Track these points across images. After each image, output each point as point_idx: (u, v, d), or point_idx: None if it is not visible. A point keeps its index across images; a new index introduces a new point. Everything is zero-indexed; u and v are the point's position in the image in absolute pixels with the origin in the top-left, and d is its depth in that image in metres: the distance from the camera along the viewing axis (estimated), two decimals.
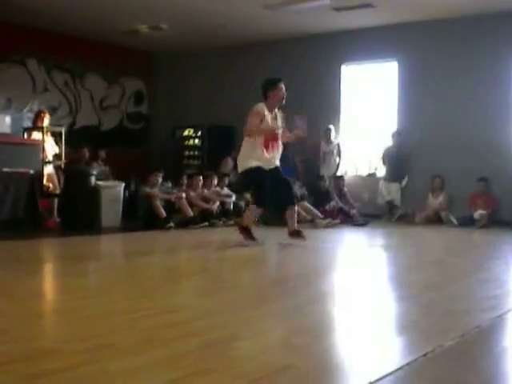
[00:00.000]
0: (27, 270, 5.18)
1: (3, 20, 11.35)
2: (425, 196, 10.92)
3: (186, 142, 13.91)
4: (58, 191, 9.31)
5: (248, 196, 9.66)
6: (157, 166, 10.75)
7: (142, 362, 2.52)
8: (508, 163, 10.34)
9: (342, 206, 10.59)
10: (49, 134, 9.52)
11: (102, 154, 11.91)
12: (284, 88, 6.89)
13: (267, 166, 6.86)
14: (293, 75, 12.55)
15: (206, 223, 9.49)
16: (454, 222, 10.08)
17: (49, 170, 9.24)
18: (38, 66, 12.47)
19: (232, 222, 9.60)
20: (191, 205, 9.51)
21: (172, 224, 9.01)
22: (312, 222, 9.72)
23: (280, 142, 6.97)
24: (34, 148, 8.94)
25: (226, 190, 10.26)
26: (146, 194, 9.25)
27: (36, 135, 9.44)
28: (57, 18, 11.32)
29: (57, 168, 9.58)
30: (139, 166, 12.27)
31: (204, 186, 10.06)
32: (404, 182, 11.29)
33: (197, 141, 13.70)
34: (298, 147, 10.91)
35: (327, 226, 9.58)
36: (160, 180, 9.58)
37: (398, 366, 2.50)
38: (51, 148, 9.48)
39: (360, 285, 4.72)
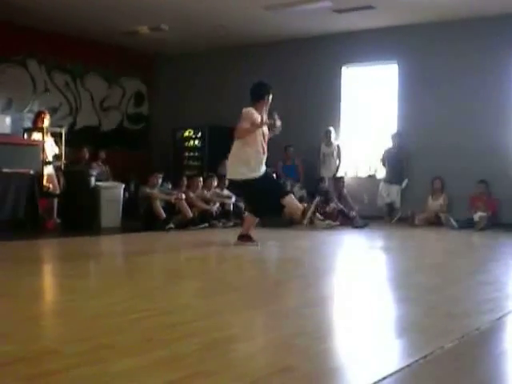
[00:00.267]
0: (27, 270, 5.18)
1: (4, 20, 11.36)
2: (425, 198, 10.93)
3: (186, 143, 13.91)
4: (57, 192, 9.31)
5: None
6: (157, 167, 10.78)
7: (141, 362, 2.52)
8: (508, 165, 10.35)
9: (341, 208, 10.59)
10: (49, 134, 9.52)
11: (102, 154, 11.92)
12: (270, 95, 6.93)
13: (257, 172, 6.84)
14: (293, 77, 12.59)
15: (206, 224, 9.50)
16: (454, 224, 10.08)
17: (49, 170, 9.25)
18: (38, 67, 12.48)
19: (232, 224, 9.62)
20: (191, 206, 9.51)
21: (172, 225, 9.01)
22: (311, 224, 9.72)
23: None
24: (34, 148, 8.94)
25: (225, 191, 10.26)
26: (145, 194, 9.25)
27: (36, 136, 9.44)
28: (57, 18, 11.33)
29: (57, 169, 9.58)
30: (139, 167, 12.30)
31: (204, 187, 10.07)
32: (404, 184, 11.29)
33: (197, 142, 13.70)
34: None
35: (327, 228, 9.58)
36: (160, 181, 9.59)
37: (398, 368, 2.50)
38: (51, 148, 9.48)
39: (360, 287, 4.72)
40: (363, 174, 12.24)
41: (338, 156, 11.82)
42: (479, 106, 10.67)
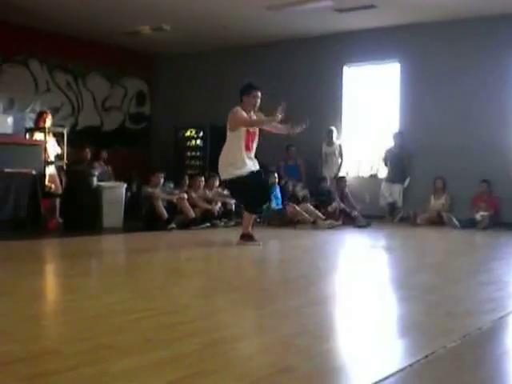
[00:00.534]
0: (28, 270, 5.18)
1: (5, 20, 11.37)
2: (427, 197, 10.91)
3: (188, 143, 13.92)
4: (59, 192, 9.31)
5: None
6: (159, 167, 10.77)
7: (142, 362, 2.52)
8: (510, 165, 10.33)
9: (343, 208, 10.59)
10: (51, 134, 9.52)
11: (104, 154, 11.92)
12: (258, 96, 7.05)
13: (247, 169, 6.92)
14: (295, 76, 12.59)
15: (208, 224, 9.49)
16: (456, 223, 10.06)
17: (51, 170, 9.25)
18: (40, 67, 12.49)
19: (233, 223, 9.62)
20: (193, 205, 9.51)
21: (174, 225, 9.01)
22: (314, 224, 9.72)
23: (255, 142, 7.09)
24: (36, 148, 8.95)
25: (227, 191, 10.25)
26: (147, 194, 9.25)
27: (38, 136, 9.44)
28: (59, 18, 11.34)
29: (59, 168, 9.58)
30: (141, 167, 12.30)
31: (206, 186, 10.07)
32: (406, 184, 11.28)
33: (199, 141, 13.71)
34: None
35: (329, 228, 9.57)
36: (162, 181, 9.58)
37: (400, 368, 2.49)
38: (53, 148, 9.48)
39: (361, 286, 4.71)
40: (365, 173, 12.23)
41: (340, 155, 11.82)
42: (481, 106, 10.66)
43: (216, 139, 13.13)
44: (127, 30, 12.04)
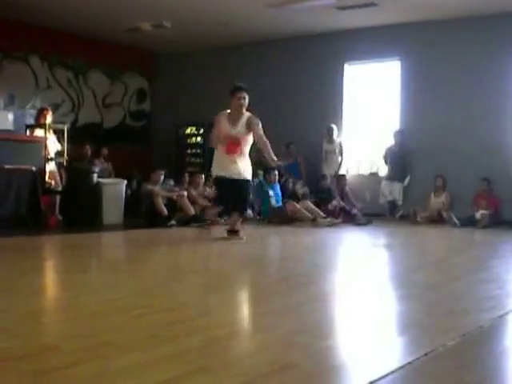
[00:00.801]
0: (29, 266, 5.18)
1: (6, 17, 11.36)
2: (427, 196, 10.92)
3: (188, 140, 13.93)
4: (60, 188, 9.32)
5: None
6: (159, 164, 10.77)
7: (143, 359, 2.52)
8: (510, 163, 10.33)
9: (343, 206, 10.59)
10: (51, 131, 9.52)
11: (105, 151, 11.91)
12: (242, 96, 7.11)
13: (228, 172, 7.08)
14: (296, 74, 12.58)
15: (208, 221, 9.49)
16: (456, 221, 10.06)
17: (51, 167, 9.25)
18: (40, 63, 12.47)
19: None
20: (193, 203, 9.51)
21: (174, 222, 9.02)
22: (314, 221, 9.72)
23: (244, 149, 7.15)
24: (36, 145, 8.95)
25: None
26: (148, 191, 9.26)
27: (38, 132, 9.44)
28: (60, 15, 11.32)
29: (59, 165, 9.58)
30: (141, 164, 12.29)
31: (206, 184, 10.06)
32: (406, 182, 11.28)
33: (199, 139, 13.71)
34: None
35: (329, 225, 9.57)
36: (162, 178, 9.59)
37: (400, 366, 2.50)
38: (53, 145, 9.48)
39: (361, 284, 4.71)
40: (365, 171, 12.23)
41: (340, 153, 11.81)
42: (482, 104, 10.65)
43: None
44: (128, 26, 12.02)
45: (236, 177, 7.11)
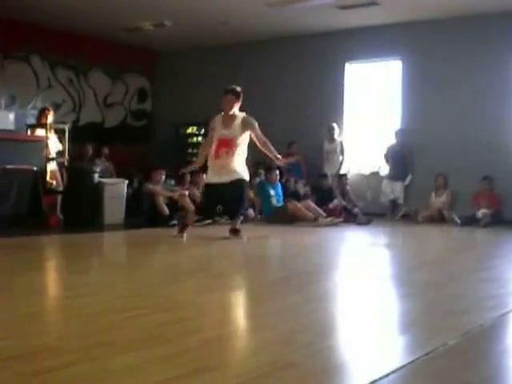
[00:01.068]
0: (29, 266, 5.18)
1: (7, 17, 11.36)
2: (428, 195, 10.90)
3: (190, 140, 13.94)
4: (61, 188, 9.31)
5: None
6: (160, 164, 10.75)
7: (141, 359, 2.51)
8: None
9: (345, 205, 10.58)
10: (52, 130, 9.52)
11: (106, 151, 11.92)
12: (227, 99, 7.22)
13: (217, 178, 7.11)
14: (297, 73, 12.57)
15: (210, 220, 9.47)
16: (457, 220, 10.05)
17: (52, 166, 9.25)
18: (41, 63, 12.48)
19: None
20: (194, 202, 9.49)
21: (175, 221, 9.00)
22: (315, 221, 9.70)
23: (236, 150, 7.10)
24: (37, 145, 8.94)
25: None
26: (149, 191, 9.25)
27: (40, 132, 9.44)
28: (60, 14, 11.32)
29: (60, 165, 9.58)
30: (142, 164, 12.28)
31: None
32: (407, 181, 11.27)
33: (200, 138, 13.71)
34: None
35: (330, 225, 9.56)
36: (163, 177, 9.58)
37: (401, 365, 2.49)
38: (55, 145, 9.47)
39: (362, 283, 4.71)
40: (366, 170, 12.21)
41: (341, 153, 11.80)
42: (483, 102, 10.64)
43: None
44: (129, 26, 12.02)
45: (226, 180, 7.07)
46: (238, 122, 7.12)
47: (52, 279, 5.06)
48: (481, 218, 9.98)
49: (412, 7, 10.41)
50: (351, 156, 12.13)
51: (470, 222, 9.91)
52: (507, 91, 10.48)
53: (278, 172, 10.29)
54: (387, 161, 11.47)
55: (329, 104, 12.14)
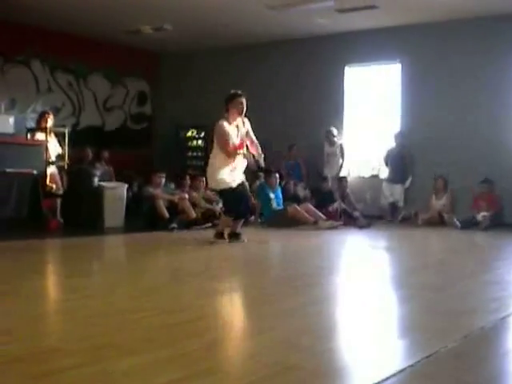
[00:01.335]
0: (31, 269, 5.19)
1: (7, 20, 11.37)
2: (428, 197, 10.90)
3: (190, 143, 13.94)
4: (61, 192, 9.31)
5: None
6: (160, 167, 10.76)
7: (144, 361, 2.52)
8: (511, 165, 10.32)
9: (344, 208, 10.58)
10: (52, 134, 9.52)
11: (105, 154, 11.91)
12: (244, 102, 7.12)
13: (234, 181, 7.11)
14: (296, 76, 12.58)
15: (210, 224, 9.48)
16: (457, 223, 10.05)
17: (52, 170, 9.25)
18: (41, 67, 12.48)
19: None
20: (194, 206, 9.50)
21: (175, 225, 9.00)
22: (315, 224, 9.71)
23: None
24: (37, 149, 8.95)
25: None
26: (149, 194, 9.25)
27: (39, 136, 9.44)
28: (60, 18, 11.33)
29: (60, 168, 9.58)
30: (142, 167, 12.28)
31: (207, 186, 10.06)
32: (407, 184, 11.27)
33: (200, 142, 13.73)
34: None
35: (330, 228, 9.56)
36: (163, 181, 9.58)
37: (402, 368, 2.49)
38: (54, 148, 9.47)
39: (363, 286, 4.71)
40: (366, 173, 12.22)
41: (341, 155, 11.80)
42: (482, 105, 10.65)
43: None
44: (129, 29, 12.03)
45: (242, 179, 7.27)
46: (241, 123, 7.24)
47: (54, 282, 5.06)
48: (481, 221, 9.98)
49: (411, 10, 10.42)
50: (351, 158, 12.14)
51: (470, 224, 9.91)
52: (507, 94, 10.49)
53: (277, 175, 10.30)
54: (387, 163, 11.47)
55: (329, 107, 12.15)
